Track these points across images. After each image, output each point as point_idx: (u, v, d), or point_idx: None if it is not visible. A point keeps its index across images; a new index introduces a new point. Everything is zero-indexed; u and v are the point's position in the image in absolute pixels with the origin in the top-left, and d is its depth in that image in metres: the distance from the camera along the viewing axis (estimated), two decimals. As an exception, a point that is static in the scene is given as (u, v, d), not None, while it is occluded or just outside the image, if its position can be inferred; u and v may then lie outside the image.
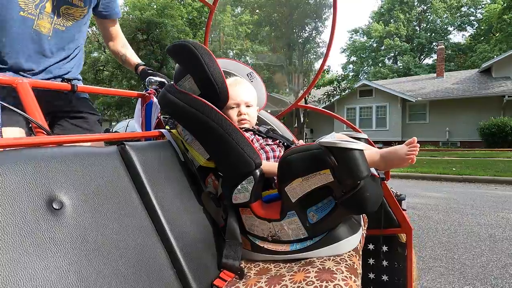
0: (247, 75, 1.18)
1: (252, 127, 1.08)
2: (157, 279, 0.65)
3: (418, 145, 0.76)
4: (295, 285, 0.67)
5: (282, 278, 0.72)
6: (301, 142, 1.04)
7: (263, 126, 1.13)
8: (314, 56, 19.10)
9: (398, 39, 31.34)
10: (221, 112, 0.87)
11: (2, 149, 0.59)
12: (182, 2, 17.28)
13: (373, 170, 0.79)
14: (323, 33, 17.42)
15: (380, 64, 32.62)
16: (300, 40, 18.19)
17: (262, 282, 0.73)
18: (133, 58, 1.48)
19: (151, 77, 1.23)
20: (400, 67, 30.44)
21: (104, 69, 18.73)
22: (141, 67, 1.41)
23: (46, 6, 1.11)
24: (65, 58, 1.23)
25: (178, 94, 0.91)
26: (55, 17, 1.15)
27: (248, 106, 1.07)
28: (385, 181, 1.01)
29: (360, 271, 0.77)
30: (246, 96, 1.07)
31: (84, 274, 0.53)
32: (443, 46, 18.94)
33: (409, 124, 15.53)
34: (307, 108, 1.69)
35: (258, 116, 1.20)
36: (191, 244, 0.78)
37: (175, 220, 0.78)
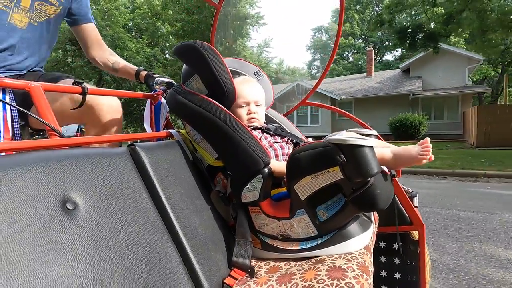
0: (254, 73, 1.17)
1: (260, 125, 1.08)
2: (169, 278, 0.65)
3: (431, 145, 0.75)
4: (305, 283, 0.67)
5: (292, 276, 0.72)
6: (310, 139, 1.03)
7: (271, 124, 1.12)
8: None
9: (352, 38, 32.62)
10: (228, 111, 0.88)
11: (17, 152, 0.60)
12: (119, 12, 16.53)
13: (383, 167, 0.78)
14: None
15: (338, 62, 33.74)
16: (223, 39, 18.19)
17: (272, 281, 0.73)
18: (129, 65, 1.39)
19: (159, 78, 1.23)
20: (354, 65, 31.90)
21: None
22: (143, 73, 1.33)
23: (22, 0, 1.11)
24: (29, 56, 1.20)
25: (186, 94, 0.92)
26: (30, 12, 1.14)
27: (257, 105, 1.07)
28: (396, 178, 0.99)
29: (371, 269, 0.76)
30: (256, 95, 1.07)
31: (98, 273, 0.53)
32: (371, 48, 21.26)
33: (338, 120, 17.10)
34: (315, 105, 1.68)
35: (265, 114, 1.19)
36: (201, 242, 0.78)
37: (185, 219, 0.78)
